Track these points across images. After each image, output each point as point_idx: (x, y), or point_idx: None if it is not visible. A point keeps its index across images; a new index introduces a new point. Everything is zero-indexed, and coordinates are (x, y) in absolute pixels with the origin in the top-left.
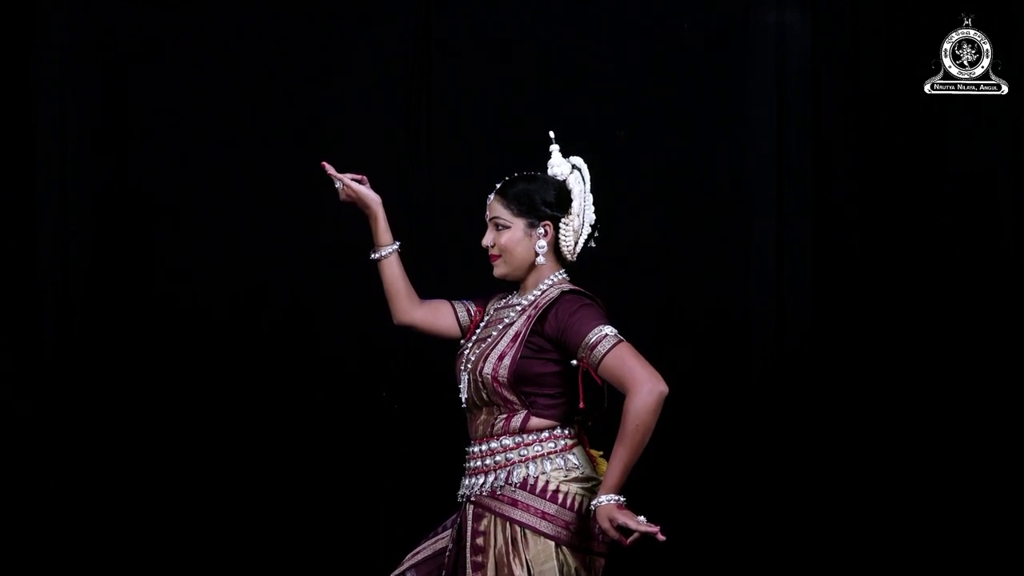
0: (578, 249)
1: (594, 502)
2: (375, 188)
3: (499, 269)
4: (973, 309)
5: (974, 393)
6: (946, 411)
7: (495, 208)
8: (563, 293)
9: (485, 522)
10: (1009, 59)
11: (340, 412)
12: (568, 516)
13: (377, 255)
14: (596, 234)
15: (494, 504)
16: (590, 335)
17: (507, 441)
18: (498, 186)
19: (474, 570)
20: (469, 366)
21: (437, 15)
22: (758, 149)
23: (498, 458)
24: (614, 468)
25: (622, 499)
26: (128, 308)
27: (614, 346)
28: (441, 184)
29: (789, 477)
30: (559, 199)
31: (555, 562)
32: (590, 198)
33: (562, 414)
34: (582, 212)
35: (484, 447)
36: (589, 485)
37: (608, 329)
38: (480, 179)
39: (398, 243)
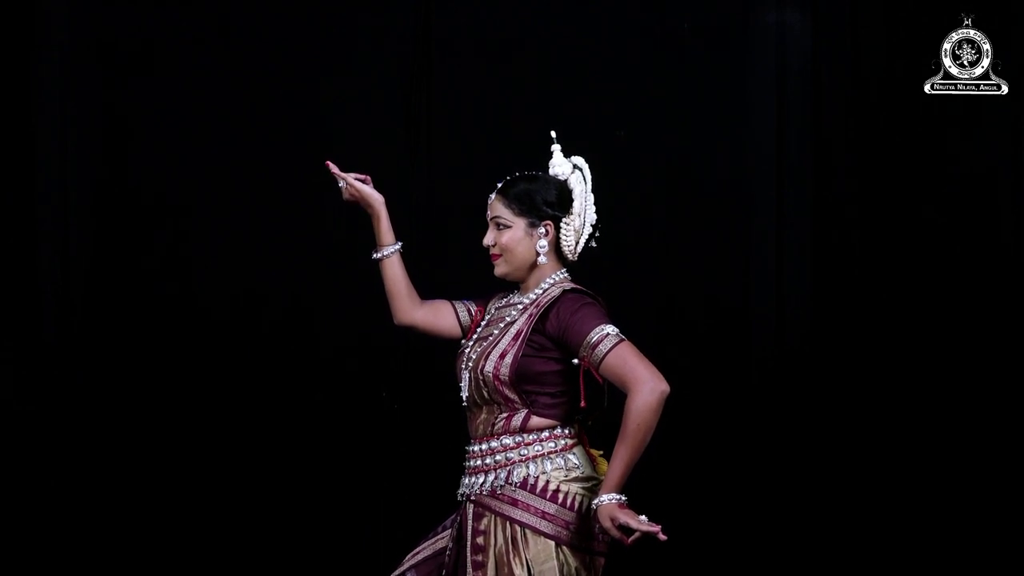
0: (579, 249)
1: (595, 501)
2: (375, 188)
3: (500, 268)
4: (973, 309)
5: (974, 392)
6: (946, 411)
7: (496, 208)
8: (565, 292)
9: (485, 521)
10: (1009, 59)
11: (340, 412)
12: (568, 516)
13: (379, 255)
14: (597, 234)
15: (494, 503)
16: (592, 334)
17: (507, 440)
18: (499, 186)
19: (474, 569)
20: (470, 364)
21: (437, 15)
22: (758, 149)
23: (498, 457)
24: (615, 467)
25: (623, 498)
26: (128, 308)
27: (615, 345)
28: (441, 184)
29: (789, 477)
30: (560, 199)
31: (555, 562)
32: (591, 198)
33: (563, 413)
34: (583, 212)
35: (484, 446)
36: (589, 485)
37: (610, 328)
38: (480, 179)
39: (400, 243)
